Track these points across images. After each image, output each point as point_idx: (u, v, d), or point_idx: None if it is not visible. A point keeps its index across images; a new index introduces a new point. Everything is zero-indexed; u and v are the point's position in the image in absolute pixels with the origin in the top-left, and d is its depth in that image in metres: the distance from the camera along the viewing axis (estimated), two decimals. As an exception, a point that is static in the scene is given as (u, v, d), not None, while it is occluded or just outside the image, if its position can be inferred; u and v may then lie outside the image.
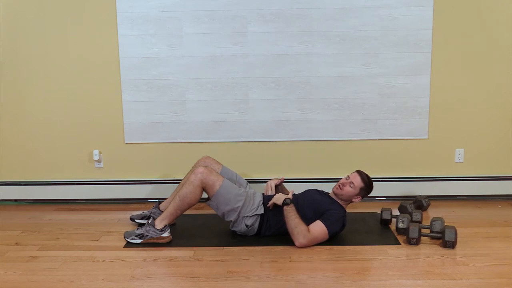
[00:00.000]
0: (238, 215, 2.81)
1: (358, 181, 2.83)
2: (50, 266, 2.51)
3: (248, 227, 2.83)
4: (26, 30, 3.48)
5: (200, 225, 3.12)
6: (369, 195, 2.97)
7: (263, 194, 3.02)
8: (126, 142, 3.61)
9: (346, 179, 2.87)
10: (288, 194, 2.86)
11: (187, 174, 3.11)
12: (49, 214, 3.45)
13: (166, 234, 2.81)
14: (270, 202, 2.82)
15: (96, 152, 3.60)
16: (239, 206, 2.80)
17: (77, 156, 3.64)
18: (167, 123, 3.58)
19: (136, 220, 3.14)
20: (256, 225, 2.85)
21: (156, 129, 3.59)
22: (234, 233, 2.93)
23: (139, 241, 2.80)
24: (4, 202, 3.71)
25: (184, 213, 3.38)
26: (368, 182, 2.86)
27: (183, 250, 2.72)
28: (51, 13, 3.45)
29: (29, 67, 3.52)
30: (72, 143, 3.62)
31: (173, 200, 2.85)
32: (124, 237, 2.85)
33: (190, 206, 2.81)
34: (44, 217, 3.37)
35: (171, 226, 2.96)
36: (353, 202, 2.90)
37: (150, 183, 3.64)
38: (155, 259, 2.59)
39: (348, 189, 2.83)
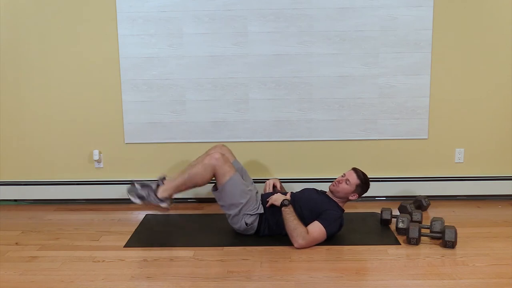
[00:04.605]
0: (239, 211, 2.81)
1: (353, 178, 2.84)
2: (50, 266, 2.51)
3: (248, 225, 2.84)
4: (26, 30, 3.47)
5: (200, 225, 3.12)
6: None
7: (262, 194, 3.02)
8: (126, 142, 3.61)
9: (342, 176, 2.88)
10: (286, 195, 2.86)
11: (199, 157, 3.03)
12: (49, 214, 3.45)
13: (164, 205, 2.81)
14: (268, 202, 2.83)
15: (96, 152, 3.60)
16: (242, 203, 2.80)
17: (77, 156, 3.64)
18: (167, 123, 3.58)
19: (136, 185, 2.89)
20: (256, 224, 2.85)
21: (156, 129, 3.59)
22: (234, 232, 2.92)
23: (139, 201, 2.81)
24: (4, 202, 3.70)
25: (184, 213, 3.39)
26: (364, 179, 2.86)
27: (183, 250, 2.72)
28: (51, 13, 3.45)
29: (29, 67, 3.52)
30: (72, 143, 3.62)
31: (181, 175, 2.83)
32: (127, 192, 2.84)
33: (195, 186, 2.82)
34: (44, 217, 3.37)
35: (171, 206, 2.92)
36: (350, 200, 2.90)
37: (150, 183, 3.64)
38: (155, 259, 2.59)
39: (344, 186, 2.83)
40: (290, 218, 2.68)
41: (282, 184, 3.23)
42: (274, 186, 3.12)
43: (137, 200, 2.80)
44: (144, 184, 2.88)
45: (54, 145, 3.62)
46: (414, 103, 3.53)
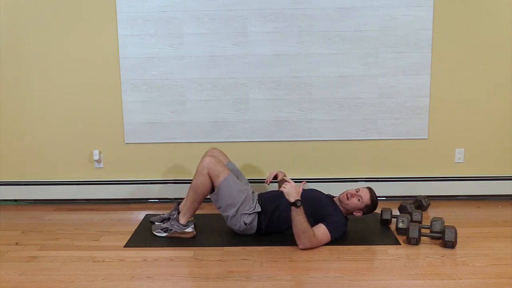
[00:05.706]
0: (237, 211, 2.82)
1: (366, 198, 2.84)
2: (50, 266, 2.51)
3: (247, 225, 2.84)
4: (26, 30, 3.47)
5: (200, 225, 3.11)
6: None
7: (258, 193, 3.02)
8: (126, 142, 3.61)
9: (356, 191, 2.87)
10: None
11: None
12: (49, 214, 3.45)
13: (189, 230, 2.88)
14: (281, 188, 2.73)
15: (96, 152, 3.60)
16: (239, 201, 2.81)
17: (77, 156, 3.64)
18: (167, 123, 3.58)
19: (156, 223, 3.07)
20: (255, 223, 2.85)
21: (156, 129, 3.59)
22: (234, 233, 2.92)
23: (164, 234, 2.90)
24: (4, 202, 3.71)
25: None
26: (375, 202, 2.88)
27: (183, 250, 2.72)
28: (51, 13, 3.45)
29: (29, 67, 3.52)
30: (72, 143, 3.62)
31: (187, 194, 2.89)
32: (152, 231, 2.94)
33: (204, 196, 2.86)
34: (44, 217, 3.37)
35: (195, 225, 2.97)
36: (352, 214, 2.90)
37: (150, 183, 3.64)
38: (155, 259, 2.59)
39: (354, 201, 2.83)
40: (301, 220, 2.64)
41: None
42: (276, 177, 3.10)
43: (163, 234, 2.91)
44: (162, 218, 3.05)
45: (54, 145, 3.62)
46: (414, 103, 3.53)
